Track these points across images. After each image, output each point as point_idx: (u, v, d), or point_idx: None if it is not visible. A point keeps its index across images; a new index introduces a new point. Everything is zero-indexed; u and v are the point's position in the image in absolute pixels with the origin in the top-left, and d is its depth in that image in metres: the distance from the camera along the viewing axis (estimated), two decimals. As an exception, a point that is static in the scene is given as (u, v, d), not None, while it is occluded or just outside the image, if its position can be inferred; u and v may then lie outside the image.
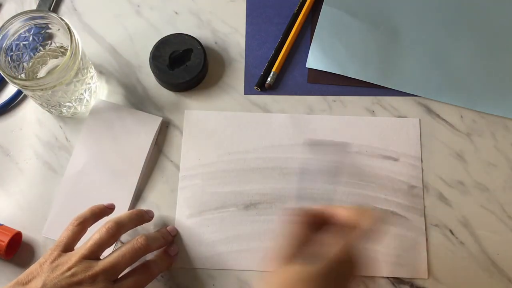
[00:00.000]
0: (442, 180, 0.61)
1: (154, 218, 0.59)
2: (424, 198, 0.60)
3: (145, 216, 0.57)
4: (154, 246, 0.54)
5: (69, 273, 0.49)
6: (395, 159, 0.61)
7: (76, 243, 0.53)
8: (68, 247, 0.52)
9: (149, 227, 0.59)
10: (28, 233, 0.60)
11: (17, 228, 0.59)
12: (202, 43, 0.65)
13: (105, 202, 0.57)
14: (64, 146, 0.63)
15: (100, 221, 0.55)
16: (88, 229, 0.54)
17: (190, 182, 0.61)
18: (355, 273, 0.46)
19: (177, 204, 0.60)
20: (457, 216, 0.60)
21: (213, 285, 0.58)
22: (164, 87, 0.65)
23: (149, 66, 0.65)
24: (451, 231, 0.59)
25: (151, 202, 0.61)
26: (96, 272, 0.49)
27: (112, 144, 0.62)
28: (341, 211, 0.48)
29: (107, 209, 0.56)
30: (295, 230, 0.47)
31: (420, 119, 0.63)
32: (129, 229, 0.55)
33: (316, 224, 0.48)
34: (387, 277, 0.58)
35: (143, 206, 0.61)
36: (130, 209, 0.60)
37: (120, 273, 0.52)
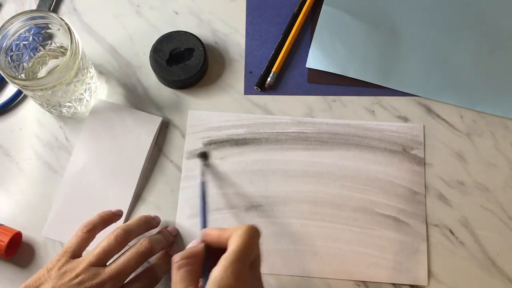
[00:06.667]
0: (442, 180, 0.61)
1: (153, 218, 0.59)
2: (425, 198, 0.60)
3: (152, 223, 0.57)
4: (158, 249, 0.54)
5: (76, 280, 0.49)
6: (398, 165, 0.61)
7: (84, 250, 0.53)
8: (76, 253, 0.52)
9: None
10: (28, 233, 0.60)
11: (17, 228, 0.59)
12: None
13: (109, 205, 0.57)
14: (64, 146, 0.63)
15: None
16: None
17: (192, 183, 0.61)
18: None
19: (178, 204, 0.60)
20: (457, 216, 0.60)
21: (214, 285, 0.58)
22: (161, 82, 0.65)
23: (149, 65, 0.65)
24: (451, 231, 0.59)
25: (151, 202, 0.61)
26: (104, 279, 0.49)
27: (112, 144, 0.62)
28: (213, 233, 0.48)
29: (116, 216, 0.56)
30: (186, 275, 0.45)
31: (424, 125, 0.63)
32: (137, 236, 0.55)
33: (216, 251, 0.47)
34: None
35: (143, 206, 0.61)
36: (130, 210, 0.60)
37: (127, 279, 0.52)
